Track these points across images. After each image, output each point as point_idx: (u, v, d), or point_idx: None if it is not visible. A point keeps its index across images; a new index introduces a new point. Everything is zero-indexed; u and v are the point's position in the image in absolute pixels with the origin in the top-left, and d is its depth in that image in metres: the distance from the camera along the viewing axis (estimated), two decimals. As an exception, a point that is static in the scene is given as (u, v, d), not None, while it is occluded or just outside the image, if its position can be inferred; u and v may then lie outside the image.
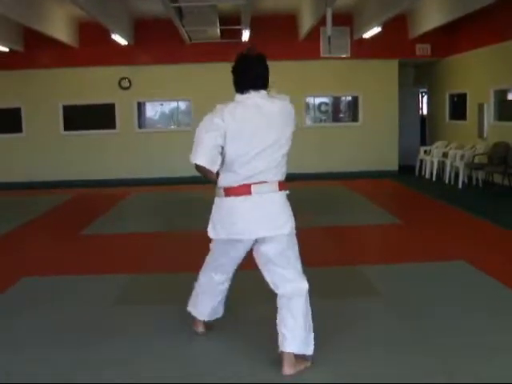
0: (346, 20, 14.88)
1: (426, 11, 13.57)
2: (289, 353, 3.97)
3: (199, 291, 4.48)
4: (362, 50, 15.25)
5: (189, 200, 12.38)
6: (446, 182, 13.58)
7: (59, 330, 4.84)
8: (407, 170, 15.73)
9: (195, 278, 4.48)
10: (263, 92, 4.17)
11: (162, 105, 16.96)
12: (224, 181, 3.98)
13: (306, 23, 13.98)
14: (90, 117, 15.88)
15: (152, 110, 17.20)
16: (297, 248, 4.18)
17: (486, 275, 6.04)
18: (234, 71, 4.15)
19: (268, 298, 5.48)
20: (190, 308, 4.60)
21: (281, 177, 4.03)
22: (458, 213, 9.99)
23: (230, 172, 3.93)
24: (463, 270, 6.35)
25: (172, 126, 16.93)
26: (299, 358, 4.02)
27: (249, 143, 3.87)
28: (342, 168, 15.56)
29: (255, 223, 3.94)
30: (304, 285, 4.08)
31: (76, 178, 15.39)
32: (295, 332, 3.98)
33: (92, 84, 15.52)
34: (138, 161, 15.75)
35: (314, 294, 5.57)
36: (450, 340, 4.42)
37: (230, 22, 13.62)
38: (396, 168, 16.04)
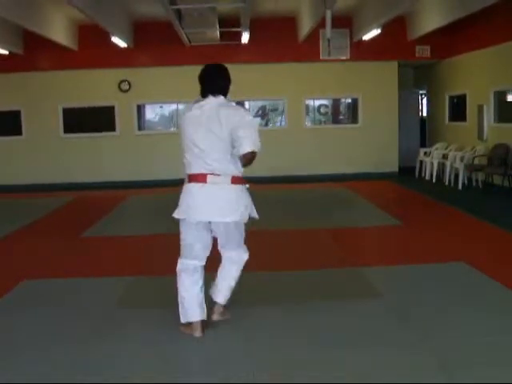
0: (345, 22, 14.91)
1: (425, 13, 13.58)
2: (219, 303, 4.87)
3: (183, 293, 4.67)
4: (362, 51, 15.28)
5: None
6: (446, 183, 13.59)
7: (60, 331, 4.84)
8: (407, 172, 15.74)
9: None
10: (221, 97, 4.60)
11: (161, 107, 16.98)
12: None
13: (305, 25, 13.99)
14: (90, 119, 15.90)
15: (152, 113, 17.22)
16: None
17: (485, 276, 6.03)
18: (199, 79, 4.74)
19: (267, 299, 5.50)
20: (183, 318, 4.69)
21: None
22: (458, 214, 9.99)
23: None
24: (463, 271, 6.35)
25: (172, 128, 16.93)
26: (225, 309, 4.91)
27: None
28: (342, 170, 15.56)
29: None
30: (245, 256, 4.89)
31: (76, 181, 15.40)
32: (225, 289, 4.86)
33: (92, 86, 15.54)
34: (138, 163, 15.76)
35: (315, 295, 5.62)
36: (450, 341, 4.42)
37: (229, 24, 13.63)
38: (396, 169, 16.05)
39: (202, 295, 4.68)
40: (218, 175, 4.44)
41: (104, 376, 4.00)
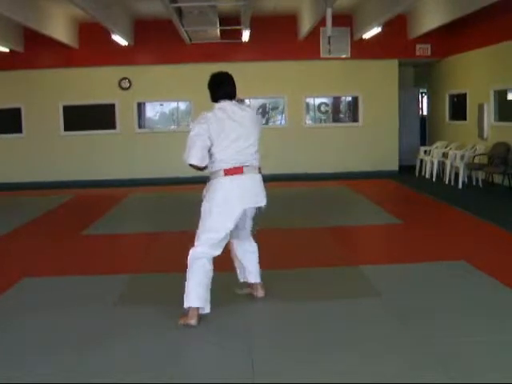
0: (345, 20, 14.91)
1: (425, 11, 13.58)
2: (258, 282, 5.47)
3: (195, 278, 4.96)
4: (362, 50, 15.27)
5: (189, 200, 12.33)
6: (446, 182, 13.59)
7: (60, 330, 4.85)
8: (407, 170, 15.75)
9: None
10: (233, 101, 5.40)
11: (161, 105, 16.98)
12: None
13: (305, 23, 13.99)
14: (90, 117, 15.88)
15: (152, 111, 17.21)
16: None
17: (486, 275, 6.03)
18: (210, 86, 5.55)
19: (266, 297, 5.50)
20: (186, 303, 4.89)
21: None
22: (458, 213, 9.99)
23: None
24: (464, 270, 6.34)
25: (172, 127, 16.93)
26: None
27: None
28: (343, 168, 15.55)
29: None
30: (255, 243, 5.52)
31: (76, 179, 15.40)
32: (257, 269, 5.48)
33: (92, 84, 15.54)
34: (138, 161, 15.76)
35: (314, 294, 5.62)
36: (450, 340, 4.42)
37: (229, 23, 13.62)
38: (396, 168, 16.04)
39: (209, 287, 4.97)
40: (253, 167, 5.07)
41: (104, 375, 3.99)
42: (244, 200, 5.02)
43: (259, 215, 5.34)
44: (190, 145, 4.90)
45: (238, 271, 5.55)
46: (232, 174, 4.94)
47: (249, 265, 5.45)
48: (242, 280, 5.56)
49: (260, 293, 5.49)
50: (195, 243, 5.07)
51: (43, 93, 15.46)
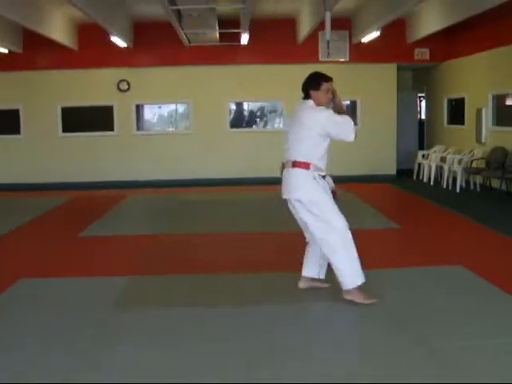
0: (344, 24, 14.93)
1: (424, 16, 13.60)
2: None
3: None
4: (361, 54, 15.30)
5: (187, 202, 12.38)
6: (444, 186, 13.60)
7: (57, 331, 4.84)
8: (405, 174, 15.76)
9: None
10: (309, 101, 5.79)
11: (160, 107, 16.97)
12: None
13: (304, 27, 14.00)
14: (89, 119, 15.88)
15: (150, 113, 17.22)
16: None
17: (484, 280, 6.04)
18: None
19: (261, 299, 5.50)
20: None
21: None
22: (456, 217, 9.99)
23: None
24: (462, 274, 6.35)
25: (170, 129, 16.93)
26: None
27: None
28: (341, 172, 15.41)
29: None
30: None
31: (74, 180, 15.40)
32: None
33: (90, 86, 15.55)
34: (136, 163, 15.76)
35: (312, 297, 5.62)
36: (448, 344, 4.43)
37: (229, 25, 13.62)
38: (394, 172, 16.06)
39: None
40: (290, 162, 5.51)
41: (102, 376, 3.99)
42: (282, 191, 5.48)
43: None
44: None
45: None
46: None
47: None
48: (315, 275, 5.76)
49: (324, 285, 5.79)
50: None
51: (42, 94, 15.46)
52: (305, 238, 5.75)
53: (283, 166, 5.55)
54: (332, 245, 5.29)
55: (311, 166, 5.32)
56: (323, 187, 5.35)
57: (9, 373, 4.07)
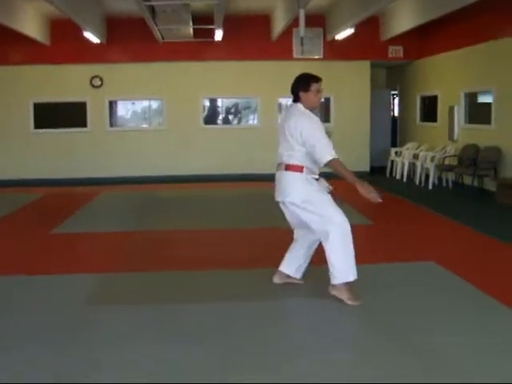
0: (318, 21, 14.96)
1: (398, 13, 13.68)
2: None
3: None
4: (335, 51, 15.35)
5: (161, 199, 12.35)
6: (417, 183, 13.70)
7: (28, 329, 4.79)
8: (378, 171, 15.84)
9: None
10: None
11: (133, 103, 16.87)
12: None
13: (279, 24, 14.01)
14: (61, 115, 15.76)
15: (124, 109, 17.11)
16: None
17: (455, 276, 6.09)
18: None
19: (242, 296, 5.50)
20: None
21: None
22: (428, 214, 10.07)
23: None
24: (433, 270, 6.40)
25: (144, 125, 16.85)
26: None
27: None
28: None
29: None
30: None
31: (47, 177, 15.25)
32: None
33: (63, 82, 15.41)
34: (109, 159, 15.67)
35: (282, 294, 5.64)
36: (416, 339, 4.46)
37: (202, 22, 13.59)
38: (367, 169, 16.13)
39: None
40: (282, 164, 5.58)
41: (78, 376, 3.95)
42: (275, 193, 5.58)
43: None
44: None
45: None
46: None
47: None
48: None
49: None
50: None
51: (13, 90, 15.29)
52: (291, 234, 5.79)
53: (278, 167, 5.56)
54: (331, 239, 5.29)
55: (304, 169, 5.37)
56: (317, 187, 5.46)
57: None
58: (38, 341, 4.54)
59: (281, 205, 5.55)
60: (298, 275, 5.75)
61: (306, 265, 5.73)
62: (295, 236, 5.73)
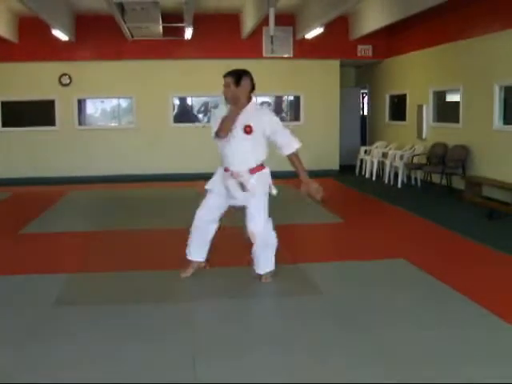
0: (288, 20, 14.99)
1: (367, 13, 13.76)
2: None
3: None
4: (305, 50, 15.38)
5: (129, 198, 12.29)
6: (386, 181, 13.80)
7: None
8: (348, 170, 15.92)
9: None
10: None
11: (102, 102, 16.74)
12: None
13: (248, 22, 14.01)
14: (29, 113, 15.59)
15: (93, 107, 16.97)
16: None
17: (424, 272, 6.16)
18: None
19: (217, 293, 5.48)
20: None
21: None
22: (397, 212, 10.16)
23: None
24: (402, 267, 6.47)
25: (113, 124, 16.74)
26: None
27: None
28: (283, 167, 15.51)
29: None
30: None
31: (14, 176, 15.09)
32: None
33: (31, 80, 15.24)
34: (77, 158, 15.53)
35: (255, 292, 5.65)
36: (387, 336, 4.51)
37: (172, 20, 13.52)
38: (337, 167, 16.21)
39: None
40: None
41: (41, 378, 3.91)
42: None
43: None
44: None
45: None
46: None
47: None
48: None
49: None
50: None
51: (-20, 88, 15.12)
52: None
53: None
54: None
55: None
56: None
57: None
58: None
59: None
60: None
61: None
62: None
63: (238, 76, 5.91)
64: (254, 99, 5.93)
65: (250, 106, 5.82)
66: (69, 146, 15.54)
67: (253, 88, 5.92)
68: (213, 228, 5.99)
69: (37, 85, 15.31)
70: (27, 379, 3.87)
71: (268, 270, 5.91)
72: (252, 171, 5.77)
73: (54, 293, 5.69)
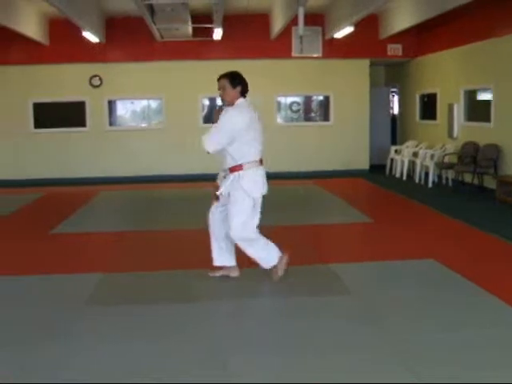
0: (318, 20, 14.95)
1: (397, 11, 13.67)
2: None
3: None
4: (334, 49, 15.34)
5: (159, 199, 12.34)
6: (417, 181, 13.69)
7: (29, 330, 4.79)
8: (378, 170, 15.83)
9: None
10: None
11: (132, 103, 16.83)
12: None
13: (278, 22, 13.99)
14: (61, 115, 15.74)
15: (123, 108, 17.08)
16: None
17: (454, 273, 6.10)
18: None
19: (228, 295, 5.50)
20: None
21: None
22: (428, 212, 10.07)
23: None
24: (433, 268, 6.41)
25: (143, 124, 16.83)
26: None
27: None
28: (314, 167, 15.59)
29: None
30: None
31: (46, 177, 15.26)
32: None
33: (62, 82, 15.40)
34: (108, 159, 15.66)
35: (285, 292, 5.64)
36: (416, 337, 4.46)
37: (202, 20, 13.57)
38: (367, 167, 16.13)
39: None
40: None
41: (76, 376, 3.96)
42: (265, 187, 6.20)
43: None
44: None
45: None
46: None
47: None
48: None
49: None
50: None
51: (13, 90, 15.29)
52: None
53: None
54: None
55: None
56: None
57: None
58: (30, 340, 4.54)
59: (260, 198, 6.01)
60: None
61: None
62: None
63: (233, 78, 5.99)
64: (240, 99, 5.96)
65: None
66: (99, 146, 15.67)
67: (245, 89, 6.03)
68: (226, 229, 5.90)
69: (67, 86, 15.46)
70: (55, 377, 3.91)
71: (272, 263, 5.89)
72: (230, 170, 5.94)
73: (86, 292, 5.74)
